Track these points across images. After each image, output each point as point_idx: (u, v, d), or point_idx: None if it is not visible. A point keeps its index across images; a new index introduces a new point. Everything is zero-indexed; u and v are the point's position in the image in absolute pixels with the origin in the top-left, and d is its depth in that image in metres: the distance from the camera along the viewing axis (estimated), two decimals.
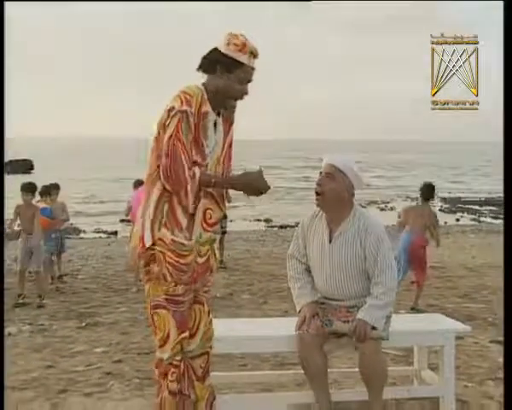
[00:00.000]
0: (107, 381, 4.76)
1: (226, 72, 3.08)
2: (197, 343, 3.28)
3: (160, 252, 3.09)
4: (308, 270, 3.93)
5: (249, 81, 3.16)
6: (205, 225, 3.17)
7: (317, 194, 3.77)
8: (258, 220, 22.67)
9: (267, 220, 22.39)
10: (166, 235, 3.08)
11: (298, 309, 3.88)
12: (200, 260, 3.18)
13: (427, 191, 7.62)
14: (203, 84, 3.15)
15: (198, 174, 3.03)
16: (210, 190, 3.15)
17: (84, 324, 6.64)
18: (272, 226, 20.90)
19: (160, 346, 3.20)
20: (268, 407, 3.97)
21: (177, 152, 2.99)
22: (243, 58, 3.07)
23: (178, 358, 3.18)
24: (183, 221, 3.09)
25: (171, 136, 3.00)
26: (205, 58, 3.13)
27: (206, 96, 3.11)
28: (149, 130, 3.25)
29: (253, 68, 3.14)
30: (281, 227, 20.35)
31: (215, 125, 3.18)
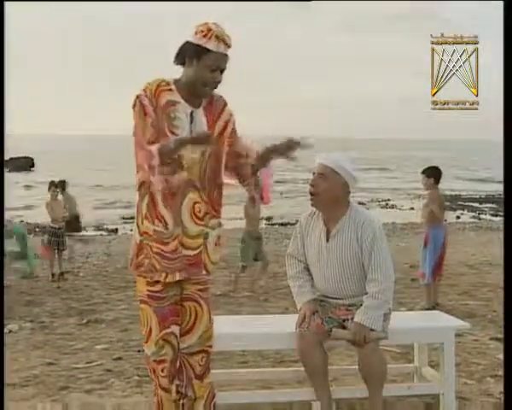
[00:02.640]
0: (108, 378, 4.77)
1: (194, 60, 3.07)
2: (194, 341, 3.26)
3: (147, 244, 3.11)
4: (307, 268, 3.93)
5: (221, 69, 3.11)
6: (194, 217, 3.15)
7: (312, 194, 3.78)
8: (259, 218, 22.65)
9: (268, 218, 22.41)
10: (148, 227, 3.10)
11: (298, 307, 3.89)
12: (187, 253, 3.14)
13: (438, 173, 7.61)
14: (174, 80, 3.14)
15: (154, 148, 2.97)
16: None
17: (84, 321, 6.66)
18: (273, 224, 20.90)
19: (145, 342, 3.22)
20: (268, 404, 3.98)
21: (137, 139, 3.05)
22: (209, 44, 3.03)
23: (163, 353, 3.17)
24: (163, 211, 3.08)
25: (135, 125, 3.06)
26: (178, 52, 3.14)
27: (173, 87, 3.11)
28: None
29: (223, 55, 3.09)
30: (281, 225, 20.36)
31: (191, 117, 3.15)
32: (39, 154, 52.77)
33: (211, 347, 3.33)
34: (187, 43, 3.09)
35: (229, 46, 3.10)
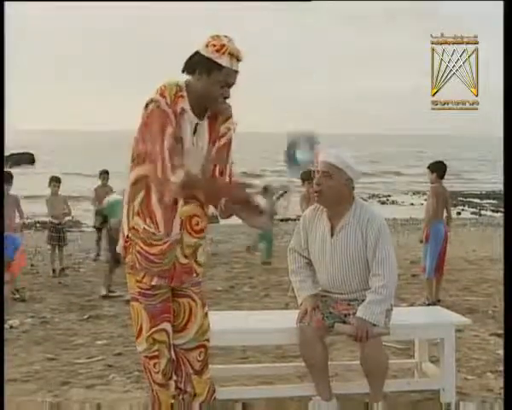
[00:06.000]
0: (109, 373, 4.78)
1: (204, 74, 2.99)
2: (190, 337, 3.27)
3: (133, 241, 3.11)
4: (309, 263, 3.95)
5: (230, 85, 3.05)
6: (190, 230, 3.14)
7: (317, 193, 3.79)
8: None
9: None
10: (139, 223, 3.08)
11: (299, 302, 3.90)
12: (184, 261, 3.16)
13: (442, 168, 7.59)
14: (186, 83, 3.08)
15: (181, 174, 2.94)
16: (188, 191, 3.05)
17: (85, 316, 6.66)
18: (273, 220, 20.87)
19: (136, 338, 3.23)
20: (269, 399, 3.98)
21: (154, 140, 2.96)
22: (222, 60, 2.96)
23: (154, 349, 3.17)
24: (157, 211, 3.07)
25: (148, 125, 2.99)
26: (187, 61, 3.06)
27: (184, 94, 3.04)
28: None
29: (234, 71, 3.02)
30: (282, 220, 20.35)
31: (196, 128, 3.11)
32: (39, 150, 52.68)
33: (208, 341, 3.33)
34: (197, 54, 3.01)
35: (240, 61, 3.03)
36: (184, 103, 3.05)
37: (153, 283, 3.12)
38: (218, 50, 2.96)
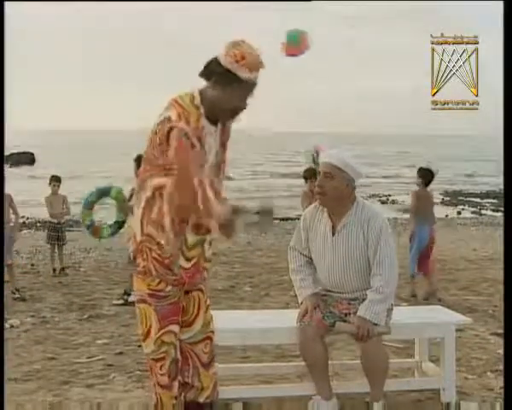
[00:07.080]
0: (109, 373, 4.79)
1: (221, 84, 2.87)
2: (197, 330, 3.27)
3: (147, 247, 3.06)
4: (310, 262, 3.95)
5: (248, 96, 2.95)
6: (194, 228, 3.09)
7: (319, 194, 3.79)
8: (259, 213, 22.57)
9: None
10: (153, 232, 3.04)
11: (300, 301, 3.90)
12: (187, 265, 3.11)
13: (429, 176, 7.70)
14: (200, 93, 2.98)
15: (228, 208, 2.91)
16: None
17: (85, 316, 6.66)
18: (273, 219, 20.85)
19: (143, 340, 3.22)
20: (269, 399, 3.98)
21: (184, 165, 2.88)
22: (240, 71, 2.83)
23: (162, 351, 3.15)
24: (168, 226, 3.02)
25: (177, 150, 2.87)
26: (205, 67, 2.94)
27: (202, 111, 2.96)
28: (148, 124, 3.16)
29: (253, 83, 2.90)
30: (282, 220, 20.34)
31: (214, 135, 3.08)
32: (40, 149, 52.68)
33: (213, 333, 3.33)
34: (216, 61, 2.89)
35: (259, 70, 2.89)
36: (203, 120, 2.98)
37: (167, 289, 3.11)
38: (236, 61, 2.83)
